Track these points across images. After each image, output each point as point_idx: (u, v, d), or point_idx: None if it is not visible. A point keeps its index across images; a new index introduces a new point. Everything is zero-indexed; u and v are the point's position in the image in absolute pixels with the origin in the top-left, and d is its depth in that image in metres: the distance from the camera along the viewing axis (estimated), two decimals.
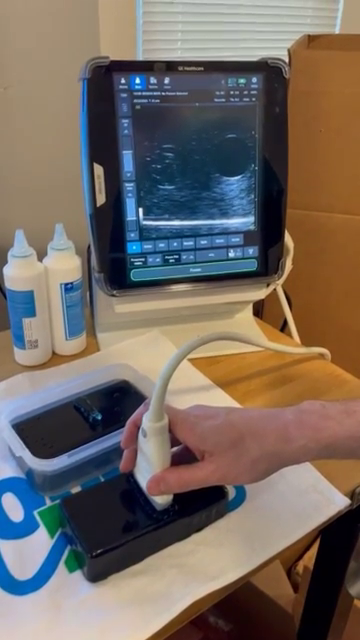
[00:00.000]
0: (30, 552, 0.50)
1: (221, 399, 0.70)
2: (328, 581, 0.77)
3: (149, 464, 0.48)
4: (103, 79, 0.66)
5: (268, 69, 0.71)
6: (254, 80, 0.71)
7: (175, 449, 0.49)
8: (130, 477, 0.52)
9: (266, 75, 0.71)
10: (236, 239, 0.76)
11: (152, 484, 0.48)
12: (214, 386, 0.73)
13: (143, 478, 0.50)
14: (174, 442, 0.49)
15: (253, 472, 0.45)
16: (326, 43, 1.15)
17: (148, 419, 0.47)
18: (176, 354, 0.46)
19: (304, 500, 0.56)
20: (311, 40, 1.16)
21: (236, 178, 0.74)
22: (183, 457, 0.49)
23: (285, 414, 0.46)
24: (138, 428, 0.49)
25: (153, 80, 0.68)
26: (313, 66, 1.07)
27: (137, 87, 0.67)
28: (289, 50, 1.10)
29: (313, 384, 0.75)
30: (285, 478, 0.59)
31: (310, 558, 1.06)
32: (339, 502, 0.56)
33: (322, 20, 1.71)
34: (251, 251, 0.77)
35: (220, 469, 0.45)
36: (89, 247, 0.74)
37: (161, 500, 0.49)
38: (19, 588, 0.47)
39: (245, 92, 0.71)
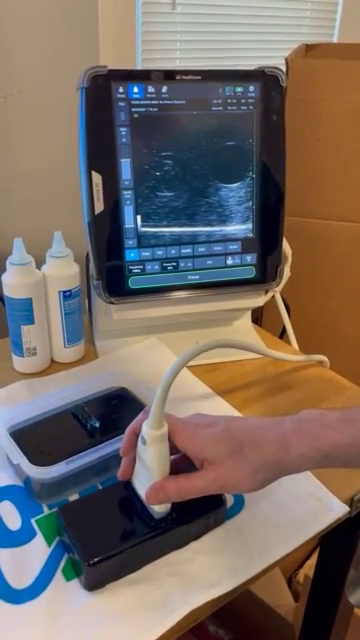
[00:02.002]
0: (27, 560, 0.50)
1: (220, 407, 0.70)
2: (328, 589, 0.77)
3: (148, 472, 0.48)
4: (101, 88, 0.67)
5: (265, 78, 0.72)
6: (251, 89, 0.72)
7: (173, 457, 0.49)
8: (128, 485, 0.52)
9: (263, 84, 0.72)
10: (234, 246, 0.76)
11: (151, 493, 0.48)
12: (213, 394, 0.73)
13: (141, 486, 0.50)
14: (173, 450, 0.49)
15: (252, 481, 0.45)
16: (323, 52, 1.16)
17: (148, 427, 0.47)
18: (176, 362, 0.46)
19: (303, 508, 0.56)
20: (309, 49, 1.17)
21: (234, 186, 0.74)
22: (181, 464, 0.49)
23: (284, 423, 0.46)
24: (137, 436, 0.49)
25: (151, 89, 0.68)
26: (310, 75, 1.08)
27: (135, 96, 0.68)
28: (287, 59, 1.11)
29: (312, 391, 0.75)
30: (284, 486, 0.58)
31: (311, 567, 1.06)
32: (338, 510, 0.56)
33: (319, 29, 1.73)
34: (249, 258, 0.77)
35: (219, 478, 0.45)
36: (87, 255, 0.74)
37: (159, 509, 0.49)
38: (16, 597, 0.47)
39: (243, 100, 0.72)
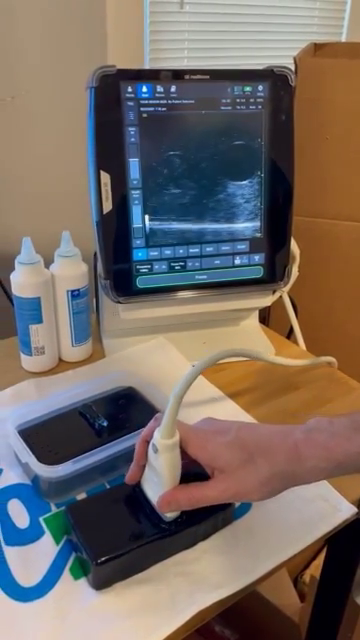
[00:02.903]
0: (35, 559, 0.50)
1: (229, 408, 0.70)
2: (335, 590, 0.77)
3: (159, 478, 0.48)
4: (110, 87, 0.67)
5: (274, 77, 0.72)
6: (260, 88, 0.72)
7: (184, 461, 0.49)
8: (136, 485, 0.52)
9: (272, 83, 0.72)
10: (242, 246, 0.76)
11: (163, 503, 0.48)
12: (221, 394, 0.73)
13: (151, 490, 0.50)
14: (184, 456, 0.49)
15: (263, 491, 0.45)
16: (332, 51, 1.16)
17: (160, 435, 0.47)
18: (190, 372, 0.46)
19: (310, 508, 0.56)
20: (317, 48, 1.17)
21: (242, 185, 0.74)
22: (192, 466, 0.49)
23: (295, 433, 0.46)
24: (148, 443, 0.49)
25: (160, 88, 0.68)
26: (319, 74, 1.07)
27: (144, 95, 0.68)
28: (295, 58, 1.10)
29: (319, 392, 0.75)
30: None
31: (317, 567, 1.05)
32: (346, 510, 0.56)
33: (328, 29, 1.72)
34: (257, 258, 0.77)
35: (230, 488, 0.45)
36: (95, 254, 0.74)
37: (170, 514, 0.49)
38: (24, 595, 0.47)
39: (251, 100, 0.72)
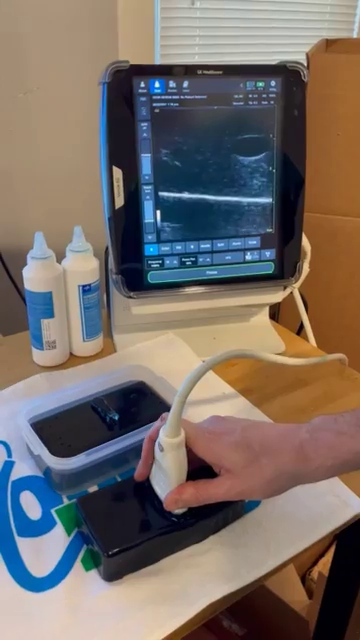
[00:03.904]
0: (47, 550, 0.51)
1: (239, 405, 0.70)
2: (344, 586, 0.77)
3: (166, 477, 0.49)
4: (123, 83, 0.67)
5: (287, 72, 0.72)
6: (272, 83, 0.71)
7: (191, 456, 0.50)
8: (146, 480, 0.52)
9: (285, 79, 0.72)
10: (253, 242, 0.76)
11: (170, 502, 0.48)
12: (232, 390, 0.73)
13: (160, 488, 0.50)
14: (190, 455, 0.49)
15: (268, 490, 0.46)
16: (344, 47, 1.15)
17: (165, 435, 0.47)
18: (194, 372, 0.46)
19: (320, 503, 0.56)
20: (329, 44, 1.16)
21: (254, 181, 0.74)
22: (198, 462, 0.49)
23: (300, 432, 0.46)
24: (154, 441, 0.49)
25: (172, 84, 0.68)
26: (331, 70, 1.07)
27: (156, 91, 0.68)
28: (307, 54, 1.10)
29: (329, 388, 0.75)
30: None
31: (325, 564, 1.06)
32: (356, 506, 0.56)
33: (340, 24, 1.71)
34: (268, 254, 0.77)
35: (235, 487, 0.46)
36: (107, 249, 0.74)
37: (178, 510, 0.50)
38: (36, 585, 0.48)
39: (264, 95, 0.71)
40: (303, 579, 1.07)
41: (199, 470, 0.49)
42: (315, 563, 1.09)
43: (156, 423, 0.50)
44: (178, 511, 0.50)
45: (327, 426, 0.46)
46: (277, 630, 0.95)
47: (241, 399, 0.71)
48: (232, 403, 0.70)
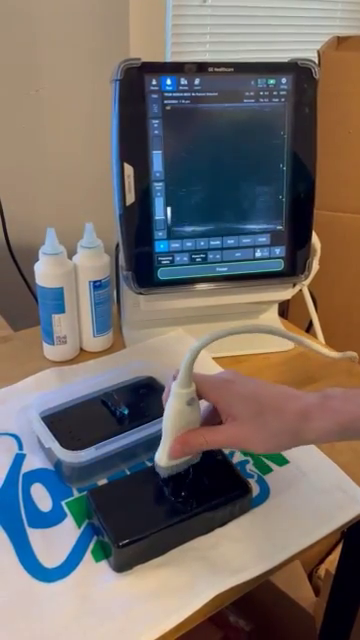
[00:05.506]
0: (58, 541, 0.52)
1: None
2: (351, 584, 0.77)
3: (164, 426, 0.50)
4: (135, 80, 0.67)
5: (298, 70, 0.72)
6: (284, 81, 0.72)
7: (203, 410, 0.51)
8: (156, 474, 0.53)
9: (296, 76, 0.72)
10: (263, 239, 0.76)
11: (174, 448, 0.49)
12: None
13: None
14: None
15: (268, 445, 0.47)
16: (355, 44, 1.15)
17: (175, 384, 0.49)
18: (214, 333, 0.47)
19: (328, 499, 0.56)
20: (340, 41, 1.16)
21: (265, 178, 0.74)
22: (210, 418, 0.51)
23: (309, 397, 0.48)
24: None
25: (184, 81, 0.69)
26: (342, 67, 1.07)
27: (168, 88, 0.68)
28: (318, 51, 1.10)
29: (337, 385, 0.74)
30: (309, 477, 0.59)
31: (332, 562, 1.05)
32: None
33: (351, 22, 1.70)
34: (278, 251, 0.77)
35: (238, 436, 0.47)
36: (117, 245, 0.75)
37: (165, 470, 0.51)
38: (47, 575, 0.49)
39: (275, 93, 0.72)
40: (310, 577, 1.07)
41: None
42: (322, 561, 1.09)
43: (168, 382, 0.51)
44: (164, 469, 0.50)
45: (336, 394, 0.47)
46: (283, 626, 0.95)
47: None
48: None
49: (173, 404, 0.49)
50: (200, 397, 0.50)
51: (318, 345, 0.71)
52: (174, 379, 0.49)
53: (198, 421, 0.50)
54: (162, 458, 0.51)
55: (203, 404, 0.51)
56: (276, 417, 0.46)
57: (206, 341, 0.47)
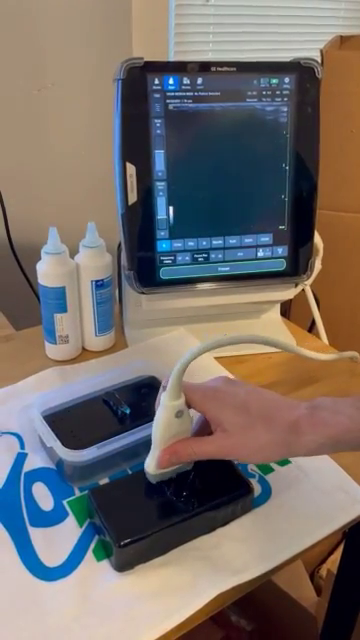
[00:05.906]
0: (59, 540, 0.52)
1: None
2: (352, 584, 0.77)
3: (153, 436, 0.50)
4: (137, 80, 0.67)
5: (301, 69, 0.72)
6: (286, 80, 0.71)
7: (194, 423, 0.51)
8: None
9: (299, 75, 0.72)
10: (265, 238, 0.76)
11: (162, 458, 0.49)
12: None
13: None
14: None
15: (258, 455, 0.47)
16: (358, 44, 1.15)
17: (164, 395, 0.48)
18: (203, 345, 0.47)
19: (329, 499, 0.56)
20: (343, 41, 1.16)
21: (267, 177, 0.74)
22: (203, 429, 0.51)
23: (299, 407, 0.47)
24: None
25: (186, 80, 0.69)
26: (345, 67, 1.06)
27: (170, 87, 0.68)
28: (321, 51, 1.10)
29: (339, 386, 0.75)
30: (311, 478, 0.59)
31: (333, 562, 1.06)
32: None
33: (354, 21, 1.70)
34: (280, 251, 0.77)
35: (227, 447, 0.47)
36: (119, 245, 0.75)
37: (154, 475, 0.51)
38: (48, 574, 0.49)
39: (277, 92, 0.72)
40: (312, 577, 1.07)
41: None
42: (324, 561, 1.09)
43: (160, 392, 0.51)
44: (152, 475, 0.50)
45: (326, 405, 0.47)
46: (285, 626, 0.95)
47: None
48: None
49: (162, 415, 0.48)
50: (190, 407, 0.50)
51: (312, 352, 0.71)
52: (164, 389, 0.49)
53: (188, 431, 0.50)
54: (150, 465, 0.51)
55: (197, 414, 0.51)
56: (266, 428, 0.46)
57: (195, 353, 0.47)
